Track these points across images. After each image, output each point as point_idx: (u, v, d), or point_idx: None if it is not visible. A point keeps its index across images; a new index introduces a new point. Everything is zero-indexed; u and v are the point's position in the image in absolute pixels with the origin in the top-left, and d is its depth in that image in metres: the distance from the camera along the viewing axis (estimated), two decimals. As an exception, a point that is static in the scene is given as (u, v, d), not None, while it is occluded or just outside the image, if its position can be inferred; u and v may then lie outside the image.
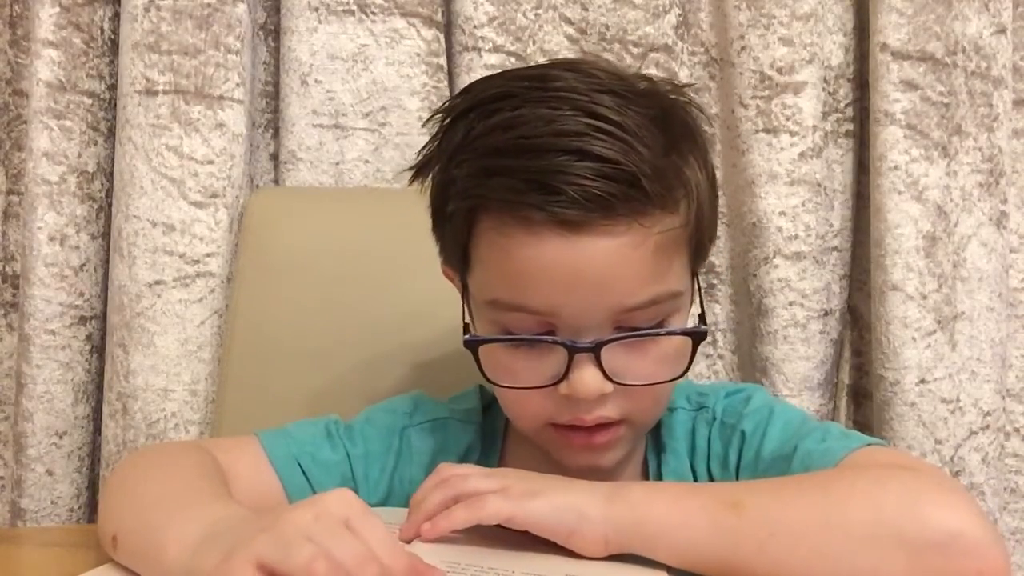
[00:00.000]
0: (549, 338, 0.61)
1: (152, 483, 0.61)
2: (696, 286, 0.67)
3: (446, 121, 0.65)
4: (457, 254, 0.66)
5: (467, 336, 0.64)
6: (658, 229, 0.60)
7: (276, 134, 1.14)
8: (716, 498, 0.55)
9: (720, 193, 1.12)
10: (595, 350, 0.60)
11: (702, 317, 0.64)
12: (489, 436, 0.75)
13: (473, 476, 0.58)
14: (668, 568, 0.55)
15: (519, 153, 0.59)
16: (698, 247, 0.65)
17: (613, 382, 0.61)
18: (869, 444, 0.62)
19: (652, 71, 1.10)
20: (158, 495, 0.59)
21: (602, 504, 0.55)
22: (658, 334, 0.62)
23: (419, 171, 0.67)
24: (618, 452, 0.66)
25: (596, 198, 0.57)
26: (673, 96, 0.66)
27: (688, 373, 0.65)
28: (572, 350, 0.60)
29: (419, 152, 0.67)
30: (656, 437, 0.73)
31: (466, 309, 0.67)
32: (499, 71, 0.69)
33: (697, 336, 0.62)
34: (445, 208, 0.65)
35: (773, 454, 0.65)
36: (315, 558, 0.44)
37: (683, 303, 0.64)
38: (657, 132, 0.60)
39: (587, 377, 0.60)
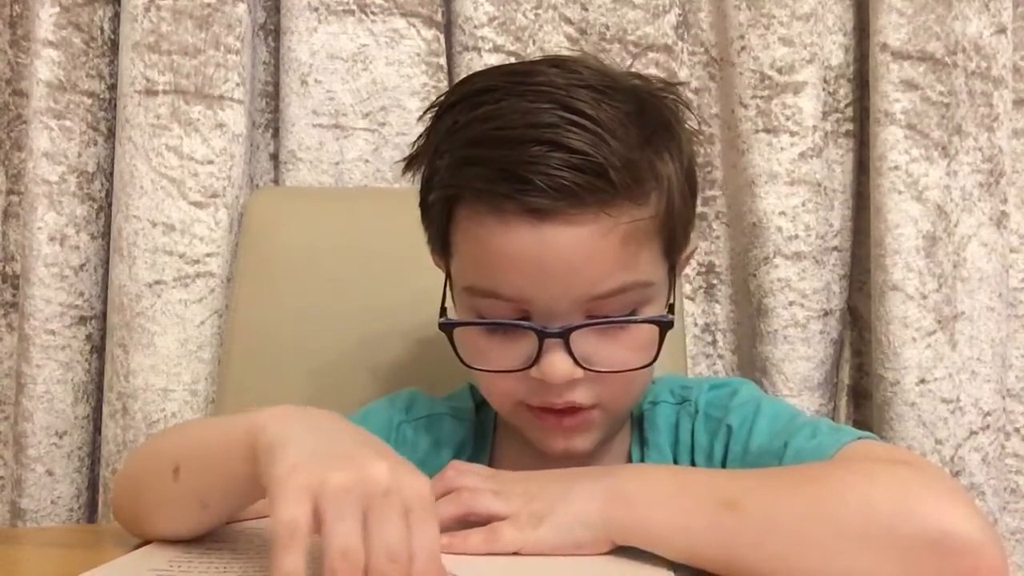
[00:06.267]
0: (519, 323, 0.63)
1: (199, 426, 0.62)
2: (672, 278, 0.68)
3: (436, 114, 0.68)
4: (438, 243, 0.68)
5: (442, 319, 0.66)
6: (625, 219, 0.61)
7: (276, 134, 1.14)
8: (713, 496, 0.56)
9: (720, 193, 1.13)
10: (564, 335, 0.61)
11: (672, 307, 0.65)
12: (480, 433, 0.76)
13: (483, 494, 0.58)
14: (673, 564, 0.55)
15: (494, 144, 0.61)
16: (670, 238, 0.65)
17: (583, 368, 0.62)
18: (860, 438, 0.62)
19: (652, 71, 1.11)
20: (217, 423, 0.60)
21: (602, 509, 0.56)
22: (625, 322, 0.63)
23: (410, 163, 0.69)
24: (592, 436, 0.67)
25: (564, 188, 0.59)
26: (661, 93, 0.67)
27: (666, 364, 0.66)
28: (542, 335, 0.62)
29: (412, 144, 0.69)
30: (640, 431, 0.74)
31: (449, 295, 0.69)
32: (490, 67, 0.70)
33: (663, 325, 0.63)
34: (428, 198, 0.67)
35: (761, 449, 0.66)
36: (350, 544, 0.43)
37: (655, 293, 0.65)
38: (632, 126, 0.62)
39: (557, 362, 0.62)
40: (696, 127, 0.71)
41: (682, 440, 0.72)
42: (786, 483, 0.56)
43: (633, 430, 0.74)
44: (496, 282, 0.63)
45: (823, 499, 0.54)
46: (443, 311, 0.67)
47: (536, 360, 0.62)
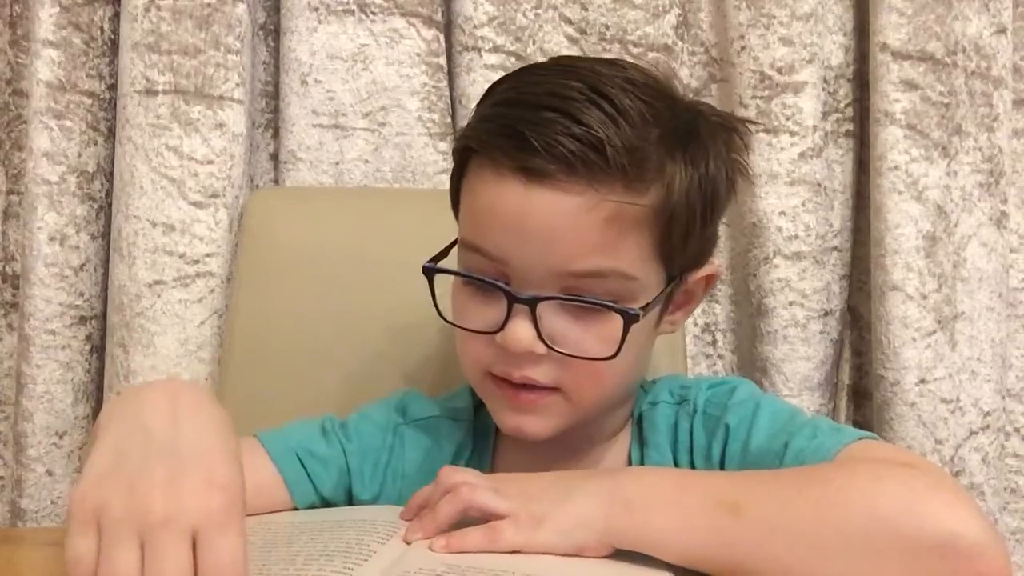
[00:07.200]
0: (493, 282, 0.64)
1: None
2: (671, 290, 0.67)
3: (494, 83, 0.70)
4: (453, 195, 0.70)
5: (427, 263, 0.67)
6: (613, 198, 0.61)
7: (276, 134, 1.14)
8: (714, 497, 0.55)
9: (720, 193, 1.13)
10: (532, 304, 0.62)
11: (647, 306, 0.64)
12: (481, 435, 0.76)
13: (481, 490, 0.58)
14: (672, 567, 0.55)
15: (513, 105, 0.64)
16: (666, 239, 0.64)
17: (545, 344, 0.63)
18: (861, 438, 0.62)
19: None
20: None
21: (602, 513, 0.56)
22: (588, 303, 0.63)
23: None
24: (547, 422, 0.67)
25: (559, 154, 0.59)
26: (713, 117, 0.68)
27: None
28: (511, 299, 0.62)
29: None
30: (640, 431, 0.73)
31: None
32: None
33: (628, 317, 0.62)
34: (453, 150, 0.70)
35: (760, 449, 0.65)
36: (119, 573, 0.42)
37: (639, 291, 0.64)
38: (654, 124, 0.62)
39: (520, 330, 0.62)
40: (746, 172, 0.71)
41: (681, 440, 0.71)
42: (788, 486, 0.56)
43: (633, 430, 0.74)
44: (482, 236, 0.64)
45: (826, 502, 0.53)
46: (436, 258, 0.68)
47: (503, 326, 0.63)
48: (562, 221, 0.61)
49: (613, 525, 0.55)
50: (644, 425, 0.73)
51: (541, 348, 0.63)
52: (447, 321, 0.68)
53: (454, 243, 0.69)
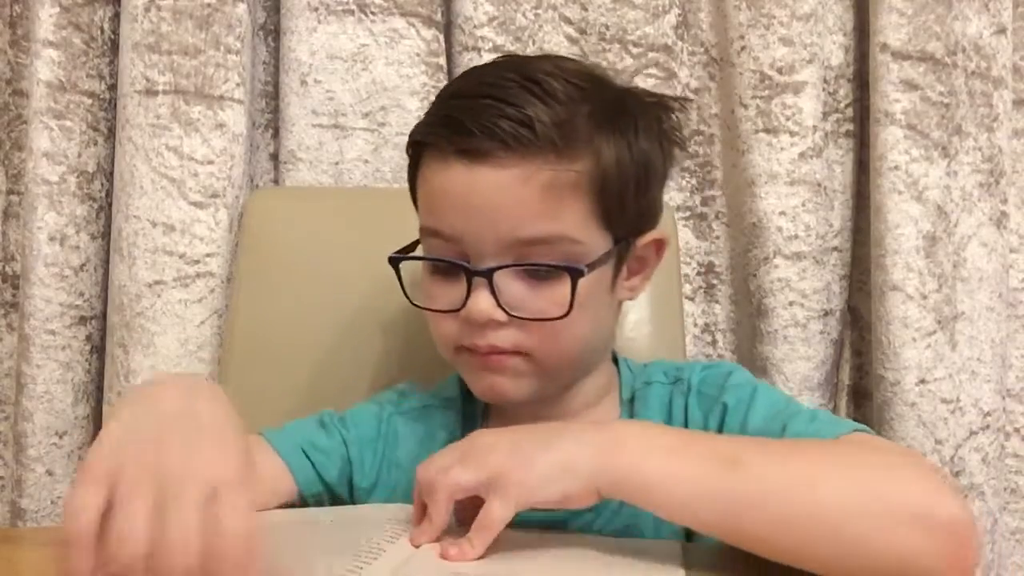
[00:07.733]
0: (453, 260, 0.68)
1: None
2: (621, 254, 0.70)
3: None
4: (412, 193, 0.74)
5: (392, 254, 0.72)
6: (547, 169, 0.65)
7: (276, 134, 1.14)
8: (714, 450, 0.56)
9: (720, 193, 1.13)
10: (488, 275, 0.66)
11: (592, 265, 0.67)
12: (469, 420, 0.78)
13: (453, 472, 0.58)
14: (686, 568, 0.55)
15: (452, 97, 0.71)
16: (604, 204, 0.67)
17: (505, 311, 0.66)
18: (856, 431, 0.63)
19: (652, 71, 1.11)
20: None
21: (593, 456, 0.56)
22: (539, 266, 0.66)
23: None
24: (520, 384, 0.70)
25: (493, 133, 0.64)
26: (646, 98, 0.72)
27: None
28: (469, 273, 0.67)
29: None
30: (631, 411, 0.75)
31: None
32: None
33: (573, 272, 0.66)
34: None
35: (758, 430, 0.67)
36: (132, 528, 0.42)
37: (585, 253, 0.67)
38: (584, 102, 0.66)
39: (481, 301, 0.66)
40: (682, 143, 0.76)
41: (675, 417, 0.73)
42: (788, 450, 0.58)
43: (624, 410, 0.76)
44: (436, 220, 0.68)
45: (820, 467, 0.56)
46: (402, 250, 0.72)
47: (465, 301, 0.67)
48: (504, 194, 0.65)
49: (601, 468, 0.55)
50: (636, 405, 0.75)
51: (501, 315, 0.66)
52: (416, 305, 0.72)
53: (418, 241, 0.73)
